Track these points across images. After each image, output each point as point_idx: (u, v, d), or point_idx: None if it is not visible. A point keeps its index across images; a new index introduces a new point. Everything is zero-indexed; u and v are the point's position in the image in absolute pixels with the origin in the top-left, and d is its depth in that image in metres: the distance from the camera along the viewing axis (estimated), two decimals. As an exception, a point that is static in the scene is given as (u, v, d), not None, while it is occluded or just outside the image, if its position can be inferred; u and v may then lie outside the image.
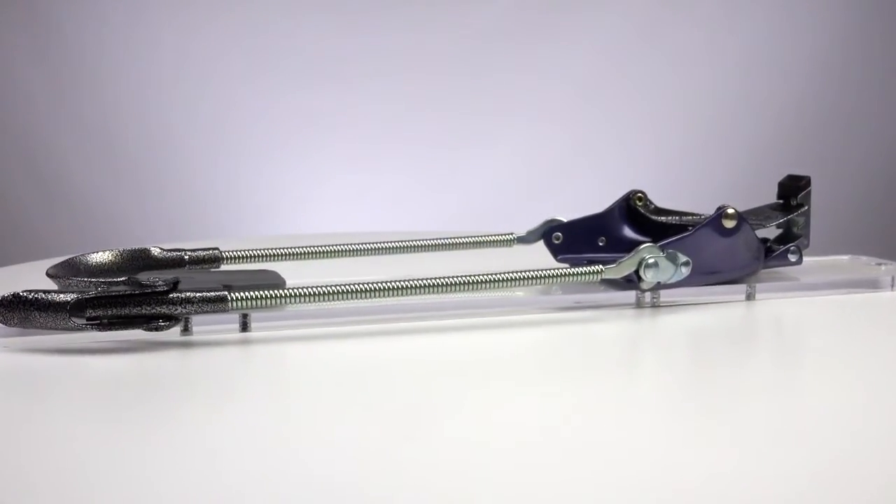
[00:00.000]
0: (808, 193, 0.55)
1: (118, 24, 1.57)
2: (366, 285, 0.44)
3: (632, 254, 0.49)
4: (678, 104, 1.64)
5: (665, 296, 0.51)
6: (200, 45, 1.58)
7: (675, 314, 0.50)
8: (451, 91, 1.60)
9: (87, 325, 0.41)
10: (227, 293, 0.42)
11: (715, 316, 0.50)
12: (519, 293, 0.51)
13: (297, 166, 1.59)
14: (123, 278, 0.46)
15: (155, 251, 0.51)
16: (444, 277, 0.45)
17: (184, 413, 0.35)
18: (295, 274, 0.50)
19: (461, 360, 0.43)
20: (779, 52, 1.65)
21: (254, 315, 0.45)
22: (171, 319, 0.42)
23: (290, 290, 0.43)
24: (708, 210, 0.56)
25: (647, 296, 0.51)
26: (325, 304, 0.44)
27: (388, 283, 0.44)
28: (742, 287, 0.53)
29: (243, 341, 0.44)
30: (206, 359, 0.42)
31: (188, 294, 0.42)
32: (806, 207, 0.55)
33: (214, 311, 0.42)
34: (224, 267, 0.52)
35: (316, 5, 1.58)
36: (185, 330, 0.44)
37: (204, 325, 0.45)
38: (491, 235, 0.58)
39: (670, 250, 0.50)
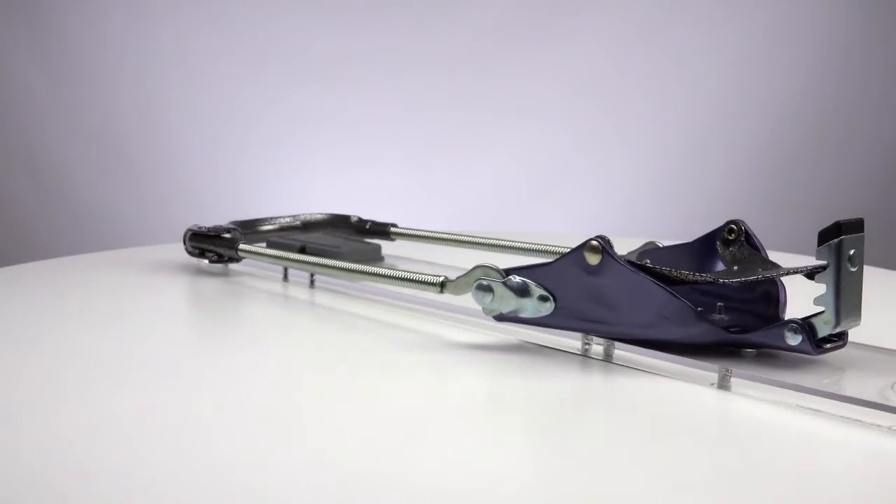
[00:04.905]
0: (838, 247, 0.37)
1: (118, 25, 1.57)
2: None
3: (468, 271, 0.44)
4: (678, 104, 1.64)
5: (637, 355, 0.41)
6: (201, 46, 1.58)
7: (574, 373, 0.41)
8: (452, 91, 1.60)
9: (189, 252, 0.64)
10: (239, 246, 0.60)
11: (606, 390, 0.39)
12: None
13: (297, 166, 1.59)
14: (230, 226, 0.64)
15: (353, 218, 0.70)
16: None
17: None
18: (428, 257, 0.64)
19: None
20: (779, 52, 1.65)
21: (318, 278, 0.60)
22: (216, 256, 0.62)
23: (277, 254, 0.59)
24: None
25: (597, 348, 0.43)
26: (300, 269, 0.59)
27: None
28: (716, 367, 0.39)
29: (307, 296, 0.59)
30: (266, 297, 0.60)
31: (224, 240, 0.61)
32: (827, 266, 0.38)
33: (234, 257, 0.62)
34: (399, 241, 0.68)
35: (316, 6, 1.58)
36: (285, 279, 0.62)
37: (295, 279, 0.62)
38: None
39: (517, 279, 0.42)
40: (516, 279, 0.42)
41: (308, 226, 0.70)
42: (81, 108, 1.57)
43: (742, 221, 0.44)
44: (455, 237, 0.63)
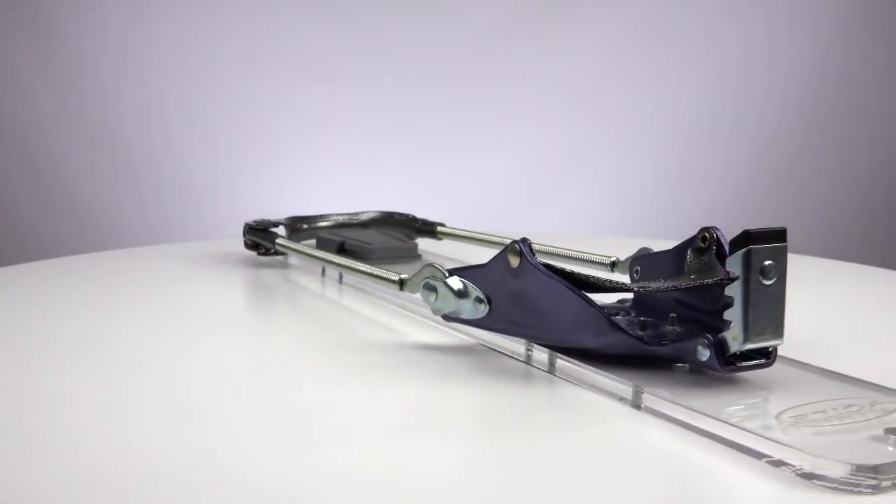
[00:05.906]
0: (746, 257, 0.34)
1: (119, 25, 1.57)
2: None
3: (419, 270, 0.44)
4: (678, 104, 1.64)
5: (571, 364, 0.40)
6: (201, 46, 1.58)
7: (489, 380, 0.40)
8: (452, 92, 1.61)
9: (246, 244, 0.66)
10: (277, 241, 0.62)
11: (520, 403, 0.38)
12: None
13: (297, 166, 1.59)
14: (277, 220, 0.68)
15: (408, 216, 0.73)
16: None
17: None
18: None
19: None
20: (779, 52, 1.65)
21: (346, 278, 0.60)
22: (264, 249, 0.65)
23: (297, 246, 0.61)
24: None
25: (541, 355, 0.42)
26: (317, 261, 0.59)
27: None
28: (630, 383, 0.37)
29: (335, 289, 0.60)
30: (302, 287, 0.62)
31: (268, 234, 0.64)
32: (737, 278, 0.35)
33: (277, 251, 0.63)
34: (446, 239, 0.69)
35: (316, 5, 1.58)
36: (322, 275, 0.63)
37: (331, 274, 0.62)
38: (593, 254, 0.55)
39: (456, 280, 0.42)
40: (455, 280, 0.42)
41: (365, 224, 0.73)
42: (81, 108, 1.57)
43: (716, 229, 0.39)
44: (499, 239, 0.63)
